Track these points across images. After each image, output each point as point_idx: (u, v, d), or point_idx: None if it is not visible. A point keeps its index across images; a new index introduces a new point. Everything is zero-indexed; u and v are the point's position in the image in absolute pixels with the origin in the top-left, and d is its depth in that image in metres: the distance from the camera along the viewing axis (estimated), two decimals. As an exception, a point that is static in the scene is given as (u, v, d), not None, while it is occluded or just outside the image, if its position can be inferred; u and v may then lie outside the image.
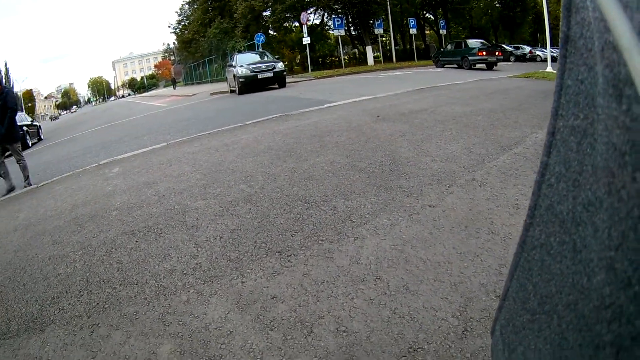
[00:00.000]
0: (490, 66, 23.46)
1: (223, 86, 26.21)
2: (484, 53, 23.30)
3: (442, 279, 2.54)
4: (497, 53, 23.91)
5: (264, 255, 3.14)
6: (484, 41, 27.00)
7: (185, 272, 3.09)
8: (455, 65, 25.19)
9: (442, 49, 29.71)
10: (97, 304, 3.03)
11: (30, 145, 21.14)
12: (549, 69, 15.71)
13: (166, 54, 72.50)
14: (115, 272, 3.40)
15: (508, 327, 0.93)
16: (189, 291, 2.84)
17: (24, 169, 8.32)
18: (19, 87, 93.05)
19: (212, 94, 23.59)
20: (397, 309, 2.33)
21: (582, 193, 0.60)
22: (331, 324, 2.30)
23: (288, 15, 42.43)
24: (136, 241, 3.83)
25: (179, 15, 54.34)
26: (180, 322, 2.53)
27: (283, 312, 2.47)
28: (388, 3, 37.26)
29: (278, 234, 3.45)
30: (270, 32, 44.92)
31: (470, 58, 23.56)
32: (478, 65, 23.54)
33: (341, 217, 3.58)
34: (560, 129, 0.70)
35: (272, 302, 2.58)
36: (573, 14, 0.64)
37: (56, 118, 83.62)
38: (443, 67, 26.51)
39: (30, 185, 7.93)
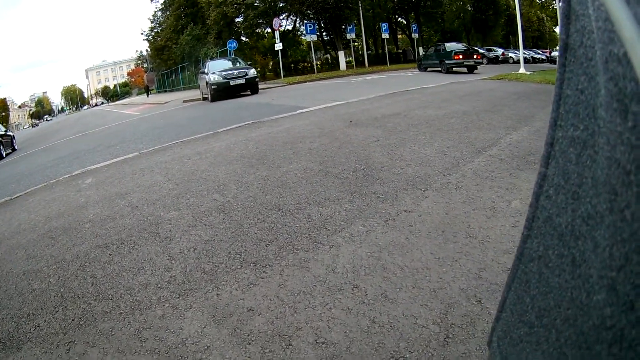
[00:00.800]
0: (471, 69, 23.14)
1: (196, 93, 26.20)
2: (461, 56, 22.86)
3: (421, 286, 2.52)
4: (475, 56, 23.50)
5: (239, 267, 3.10)
6: (465, 44, 26.60)
7: (159, 285, 3.04)
8: (438, 69, 24.77)
9: (424, 53, 29.65)
10: (73, 320, 2.96)
11: (4, 155, 20.87)
12: (522, 70, 16.00)
13: (139, 62, 72.29)
14: (89, 286, 3.33)
15: (505, 340, 0.94)
16: (164, 305, 2.79)
17: None
18: None
19: (184, 101, 23.50)
20: (376, 317, 2.30)
21: (581, 206, 0.60)
22: (310, 335, 2.26)
23: (260, 21, 42.56)
24: (110, 254, 3.77)
25: (152, 22, 54.46)
26: (157, 338, 2.48)
27: (260, 325, 2.43)
28: (360, 8, 37.60)
29: (252, 244, 3.40)
30: (243, 38, 45.00)
31: (447, 62, 23.24)
32: (459, 69, 23.24)
33: (316, 225, 3.55)
34: (559, 139, 0.71)
35: (248, 315, 2.54)
36: (572, 21, 0.64)
37: (37, 125, 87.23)
38: (426, 70, 26.24)
39: None
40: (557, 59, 0.73)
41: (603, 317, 0.48)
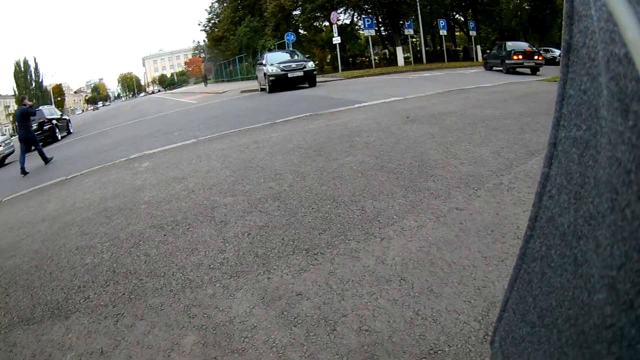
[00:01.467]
0: (533, 71, 21.50)
1: (253, 84, 26.24)
2: (520, 57, 21.31)
3: (466, 283, 2.54)
4: (536, 57, 21.58)
5: (291, 253, 3.17)
6: (529, 44, 24.52)
7: (212, 266, 3.14)
8: (500, 69, 23.31)
9: (489, 51, 28.60)
10: (123, 294, 3.10)
11: (59, 138, 21.64)
12: (579, 73, 15.40)
13: (196, 52, 72.88)
14: (142, 264, 3.47)
15: (507, 339, 0.94)
16: (215, 285, 2.88)
17: None
18: (48, 82, 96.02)
19: (242, 91, 23.61)
20: (420, 310, 2.34)
21: (583, 206, 0.60)
22: (354, 322, 2.31)
23: (318, 14, 42.31)
24: (164, 235, 3.90)
25: (209, 13, 54.63)
26: (205, 315, 2.58)
27: (307, 309, 2.49)
28: (418, 4, 36.99)
29: (305, 232, 3.48)
30: (301, 31, 44.84)
31: (507, 62, 21.95)
32: (523, 70, 21.74)
33: (369, 217, 3.60)
34: (561, 139, 0.71)
35: (297, 299, 2.61)
36: (575, 22, 0.64)
37: (97, 109, 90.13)
38: (491, 69, 24.80)
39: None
40: (560, 59, 0.73)
41: (604, 316, 0.48)
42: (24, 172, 11.14)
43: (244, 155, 6.24)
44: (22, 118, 12.11)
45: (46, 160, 12.02)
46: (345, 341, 2.18)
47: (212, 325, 2.47)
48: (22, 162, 11.37)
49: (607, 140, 0.50)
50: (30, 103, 12.74)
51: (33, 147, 12.12)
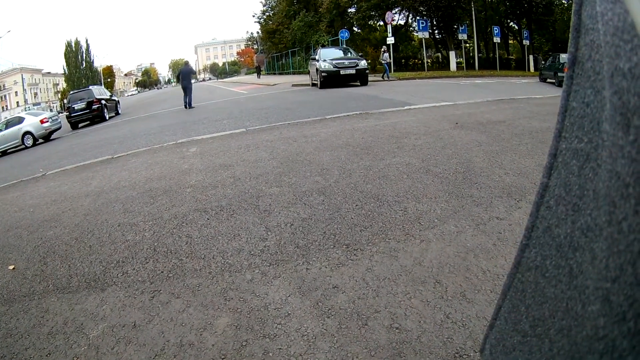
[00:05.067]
0: None
1: (305, 79, 26.20)
2: None
3: (499, 291, 2.57)
4: None
5: (331, 247, 3.23)
6: None
7: (252, 252, 3.22)
8: (553, 81, 22.47)
9: (543, 63, 27.76)
10: (162, 272, 3.22)
11: (107, 118, 22.41)
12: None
13: (249, 43, 72.85)
14: (183, 244, 3.58)
15: (498, 347, 0.95)
16: (254, 271, 2.97)
17: None
18: (99, 63, 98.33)
19: (293, 85, 23.65)
20: (451, 314, 2.37)
21: (581, 218, 0.61)
22: (386, 319, 2.36)
23: (373, 13, 41.96)
24: (207, 219, 4.01)
25: (264, 6, 54.53)
26: (241, 299, 2.66)
27: (342, 302, 2.55)
28: (473, 9, 36.43)
29: (347, 227, 3.53)
30: (355, 29, 44.52)
31: (559, 74, 21.26)
32: None
33: (410, 218, 3.63)
34: (562, 151, 0.71)
35: (332, 292, 2.67)
36: (582, 35, 0.64)
37: (159, 89, 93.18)
38: (545, 81, 23.95)
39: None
40: (566, 72, 0.72)
41: (596, 328, 0.49)
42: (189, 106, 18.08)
43: (292, 148, 6.33)
44: (185, 76, 18.60)
45: (188, 106, 18.19)
46: (375, 336, 2.23)
47: (247, 309, 2.55)
48: (186, 101, 18.47)
49: (607, 153, 0.50)
50: (192, 66, 19.11)
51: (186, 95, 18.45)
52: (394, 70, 32.41)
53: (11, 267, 4.19)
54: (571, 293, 0.60)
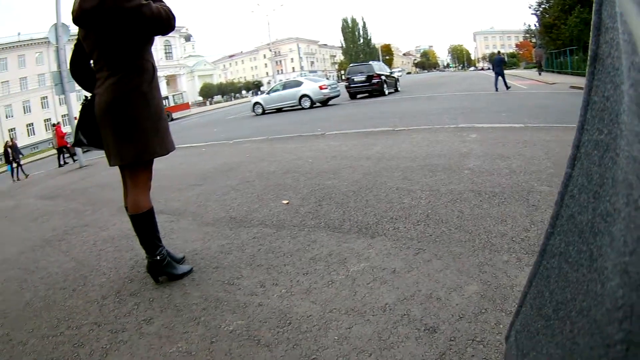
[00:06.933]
0: None
1: (583, 81, 24.03)
2: None
3: None
4: None
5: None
6: None
7: (514, 239, 3.29)
8: None
9: None
10: (430, 235, 3.52)
11: (386, 93, 23.87)
12: None
13: (527, 35, 68.37)
14: (454, 217, 3.84)
15: (523, 333, 0.97)
16: (511, 254, 3.03)
17: None
18: (376, 40, 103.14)
19: (571, 87, 21.60)
20: None
21: (601, 205, 0.63)
22: None
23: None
24: (480, 200, 4.20)
25: (539, -3, 50.43)
26: (493, 275, 2.76)
27: None
28: None
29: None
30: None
31: None
32: None
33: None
34: (584, 142, 0.76)
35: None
36: (602, 33, 0.68)
37: (441, 71, 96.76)
38: None
39: None
40: (586, 68, 0.75)
41: (616, 300, 0.49)
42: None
43: (568, 152, 5.98)
44: (497, 63, 21.09)
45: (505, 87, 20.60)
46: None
47: (495, 284, 2.65)
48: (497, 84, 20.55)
49: (625, 142, 0.53)
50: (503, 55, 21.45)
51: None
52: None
53: (285, 202, 4.91)
54: (591, 275, 0.62)
